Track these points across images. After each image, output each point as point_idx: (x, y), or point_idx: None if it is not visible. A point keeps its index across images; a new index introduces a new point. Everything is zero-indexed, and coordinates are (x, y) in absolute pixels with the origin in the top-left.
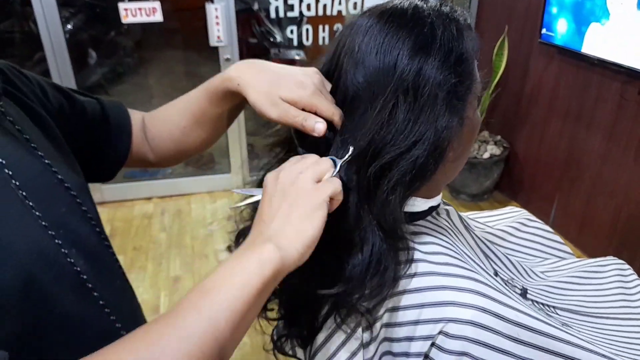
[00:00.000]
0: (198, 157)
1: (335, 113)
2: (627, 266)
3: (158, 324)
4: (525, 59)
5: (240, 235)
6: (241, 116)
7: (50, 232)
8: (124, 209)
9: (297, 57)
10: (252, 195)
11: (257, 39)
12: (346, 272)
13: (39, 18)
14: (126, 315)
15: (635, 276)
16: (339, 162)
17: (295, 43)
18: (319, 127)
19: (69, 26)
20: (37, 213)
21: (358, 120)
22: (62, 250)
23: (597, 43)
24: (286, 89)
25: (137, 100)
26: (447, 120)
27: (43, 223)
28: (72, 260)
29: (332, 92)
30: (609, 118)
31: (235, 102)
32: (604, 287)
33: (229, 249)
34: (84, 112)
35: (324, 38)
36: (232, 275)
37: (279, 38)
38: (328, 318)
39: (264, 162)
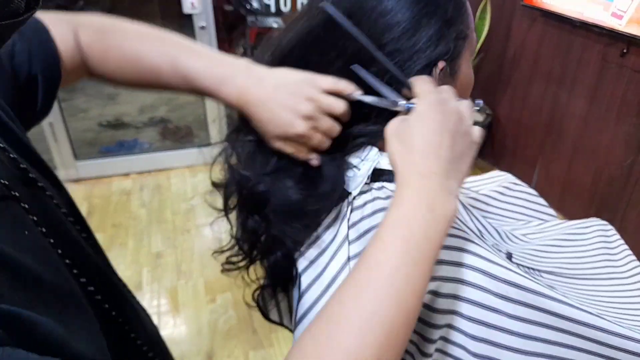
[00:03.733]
0: (176, 130)
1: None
2: (609, 226)
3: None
4: (507, 22)
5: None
6: None
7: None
8: (101, 185)
9: (274, 25)
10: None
11: (233, 6)
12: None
13: None
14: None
15: (617, 236)
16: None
17: (272, 10)
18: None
19: None
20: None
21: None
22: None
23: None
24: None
25: None
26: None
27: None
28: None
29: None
30: (592, 80)
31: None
32: (588, 249)
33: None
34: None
35: (302, 4)
36: (429, 234)
37: (255, 5)
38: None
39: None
